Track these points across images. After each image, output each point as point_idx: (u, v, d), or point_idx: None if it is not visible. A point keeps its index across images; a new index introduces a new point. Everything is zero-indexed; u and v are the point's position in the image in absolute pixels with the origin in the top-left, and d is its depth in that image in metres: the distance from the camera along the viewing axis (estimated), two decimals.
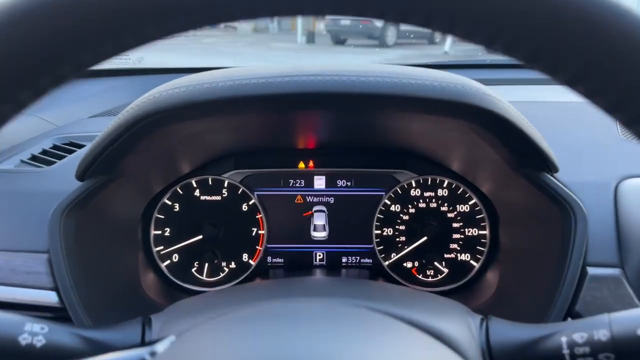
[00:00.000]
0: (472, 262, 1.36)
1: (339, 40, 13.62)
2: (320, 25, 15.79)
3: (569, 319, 0.99)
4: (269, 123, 1.20)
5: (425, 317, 0.69)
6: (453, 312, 0.78)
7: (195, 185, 1.37)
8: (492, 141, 1.04)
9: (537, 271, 1.09)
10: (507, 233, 1.27)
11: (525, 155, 1.03)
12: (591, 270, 0.99)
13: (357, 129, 1.26)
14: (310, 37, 15.26)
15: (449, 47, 13.05)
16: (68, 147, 1.39)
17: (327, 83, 0.90)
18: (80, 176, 1.07)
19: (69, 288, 1.00)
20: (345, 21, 13.34)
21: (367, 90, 0.90)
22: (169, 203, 1.36)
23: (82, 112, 1.66)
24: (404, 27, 13.60)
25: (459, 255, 1.36)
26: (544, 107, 1.50)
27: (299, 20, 15.57)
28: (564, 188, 1.02)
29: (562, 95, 1.72)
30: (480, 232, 1.35)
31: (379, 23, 13.16)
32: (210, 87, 0.93)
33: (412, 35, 13.14)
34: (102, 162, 1.04)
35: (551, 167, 1.03)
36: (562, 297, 0.97)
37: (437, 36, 14.36)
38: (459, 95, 0.91)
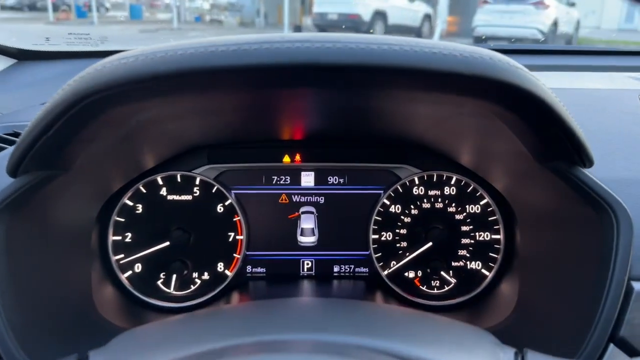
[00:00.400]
0: (483, 271, 1.18)
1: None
2: (308, 20, 15.61)
3: (612, 345, 0.82)
4: (246, 107, 0.99)
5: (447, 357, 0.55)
6: (480, 347, 0.61)
7: (161, 182, 1.18)
8: (520, 128, 0.86)
9: (568, 286, 0.91)
10: (526, 238, 1.09)
11: (557, 146, 0.85)
12: (637, 286, 0.83)
13: (353, 115, 1.07)
14: (297, 31, 15.05)
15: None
16: (12, 137, 1.19)
17: (319, 51, 0.70)
18: (12, 172, 0.86)
19: None
20: (333, 15, 13.19)
21: (372, 61, 0.71)
22: (130, 204, 1.17)
23: (33, 98, 1.45)
24: (392, 21, 13.54)
25: (468, 263, 1.19)
26: (566, 94, 1.33)
27: (286, 14, 15.37)
28: (603, 186, 0.84)
29: (585, 81, 1.57)
30: (494, 236, 1.18)
31: (366, 17, 13.05)
32: (166, 56, 0.72)
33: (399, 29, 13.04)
34: (37, 154, 0.83)
35: (586, 161, 0.85)
36: (604, 319, 0.80)
37: (425, 31, 14.29)
38: (488, 70, 0.72)
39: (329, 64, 0.69)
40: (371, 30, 12.68)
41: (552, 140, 0.85)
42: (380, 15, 13.31)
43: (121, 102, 0.80)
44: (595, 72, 1.73)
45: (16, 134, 1.20)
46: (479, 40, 11.39)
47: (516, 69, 0.73)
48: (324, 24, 13.43)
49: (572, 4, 16.60)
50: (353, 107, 1.00)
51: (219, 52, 0.72)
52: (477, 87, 0.74)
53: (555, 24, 13.88)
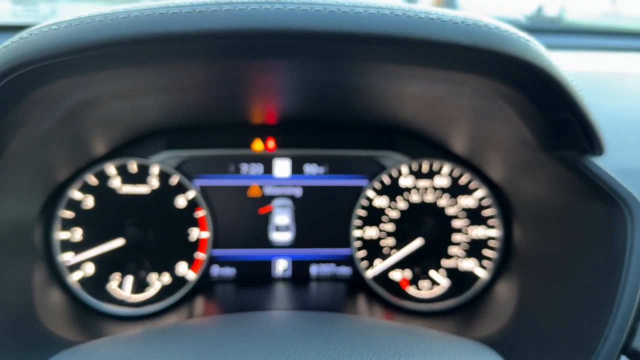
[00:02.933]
0: (478, 271, 1.08)
1: None
2: None
3: (625, 358, 0.71)
4: (208, 84, 0.85)
5: None
6: None
7: (113, 171, 1.04)
8: (527, 111, 0.74)
9: (574, 290, 0.81)
10: (526, 234, 0.99)
11: (566, 132, 0.73)
12: None
13: (334, 94, 0.94)
14: None
15: None
16: None
17: (294, 16, 0.56)
18: None
19: None
20: None
21: (358, 29, 0.57)
22: (79, 196, 1.03)
23: None
24: None
25: (461, 262, 1.08)
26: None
27: None
28: (616, 178, 0.73)
29: (588, 64, 1.46)
30: (489, 232, 1.08)
31: None
32: (105, 21, 0.58)
33: None
34: None
35: (596, 148, 0.74)
36: (616, 329, 0.70)
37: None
38: (495, 41, 0.59)
39: (304, 31, 0.56)
40: None
41: (560, 125, 0.73)
42: None
43: (54, 77, 0.66)
44: (588, 51, 1.62)
45: None
46: None
47: (526, 40, 0.61)
48: None
49: None
50: (334, 85, 0.87)
51: (169, 15, 0.57)
52: (481, 61, 0.62)
53: (539, 7, 13.93)
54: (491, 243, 1.07)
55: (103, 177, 1.04)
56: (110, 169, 1.03)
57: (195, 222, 1.06)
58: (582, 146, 0.76)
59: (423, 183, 1.08)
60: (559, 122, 0.74)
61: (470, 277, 1.08)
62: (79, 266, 1.04)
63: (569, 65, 1.37)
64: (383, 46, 0.59)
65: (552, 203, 0.90)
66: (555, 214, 0.90)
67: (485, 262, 1.08)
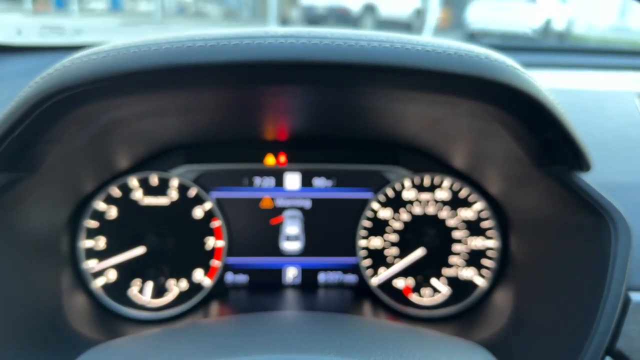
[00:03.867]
0: (477, 279, 1.14)
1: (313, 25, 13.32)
2: (295, 13, 15.49)
3: (609, 358, 0.78)
4: (227, 105, 0.93)
5: None
6: None
7: (135, 184, 1.11)
8: (517, 130, 0.81)
9: (563, 296, 0.87)
10: (522, 245, 1.04)
11: (554, 150, 0.80)
12: (635, 297, 0.79)
13: (341, 114, 1.01)
14: (284, 25, 14.92)
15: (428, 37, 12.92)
16: None
17: (305, 49, 0.64)
18: None
19: None
20: (321, 9, 13.09)
21: (362, 59, 0.65)
22: (103, 207, 1.09)
23: (4, 93, 1.36)
24: (382, 15, 13.44)
25: (461, 271, 1.14)
26: (560, 94, 1.28)
27: (273, 6, 15.22)
28: (601, 193, 0.79)
29: (579, 81, 1.52)
30: (488, 243, 1.13)
31: (355, 11, 12.97)
32: (139, 52, 0.66)
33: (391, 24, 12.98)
34: (2, 156, 0.77)
35: (583, 165, 0.80)
36: (600, 331, 0.77)
37: (416, 25, 14.24)
38: (485, 70, 0.66)
39: (314, 62, 0.63)
40: (357, 26, 12.60)
41: (549, 143, 0.80)
42: (369, 8, 13.23)
43: (90, 100, 0.73)
44: (590, 70, 1.68)
45: None
46: (472, 36, 11.40)
47: (513, 69, 0.68)
48: (311, 18, 13.31)
49: (565, 0, 16.69)
50: (341, 106, 0.94)
51: (196, 47, 0.65)
52: (473, 87, 0.69)
53: (548, 20, 13.92)
54: (489, 253, 1.13)
55: (126, 190, 1.11)
56: (133, 181, 1.11)
57: (211, 232, 1.13)
58: (571, 163, 0.82)
59: (425, 196, 1.15)
60: (547, 140, 0.80)
61: (470, 285, 1.14)
62: (102, 273, 1.10)
63: (569, 84, 1.44)
64: (384, 74, 0.66)
65: (544, 215, 0.96)
66: (548, 226, 0.96)
67: (483, 271, 1.13)
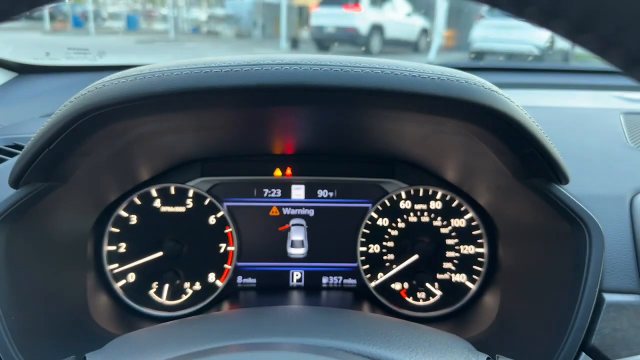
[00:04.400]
0: (468, 283, 1.21)
1: (322, 46, 13.52)
2: (305, 33, 15.71)
3: (584, 354, 0.86)
4: (239, 123, 1.04)
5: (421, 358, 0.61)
6: (453, 351, 0.65)
7: (155, 194, 1.21)
8: (497, 147, 0.90)
9: (544, 296, 0.95)
10: (508, 251, 1.13)
11: (533, 164, 0.89)
12: (608, 297, 0.88)
13: (342, 131, 1.11)
14: (294, 44, 15.14)
15: (434, 56, 13.06)
16: (11, 149, 1.22)
17: (306, 74, 0.74)
18: (14, 183, 0.90)
19: None
20: (330, 29, 13.28)
21: (356, 83, 0.75)
22: (125, 215, 1.19)
23: (33, 111, 1.49)
24: (389, 35, 13.64)
25: (453, 275, 1.22)
26: (545, 112, 1.37)
27: (283, 27, 15.47)
28: (577, 201, 0.88)
29: (564, 100, 1.61)
30: (478, 249, 1.21)
31: (363, 31, 13.15)
32: (163, 76, 0.76)
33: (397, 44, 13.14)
34: (38, 167, 0.87)
35: (561, 178, 0.89)
36: (576, 329, 0.85)
37: (422, 45, 14.41)
38: (463, 92, 0.76)
39: (314, 86, 0.74)
40: (362, 48, 12.75)
41: (528, 158, 0.89)
42: (377, 29, 13.42)
43: (119, 118, 0.84)
44: (582, 90, 1.78)
45: (16, 146, 1.23)
46: (477, 55, 11.48)
47: (490, 91, 0.78)
48: (321, 37, 13.50)
49: None
50: (341, 124, 1.04)
51: (213, 73, 0.76)
52: (454, 108, 0.79)
53: (552, 39, 14.00)
54: (479, 259, 1.21)
55: (146, 199, 1.21)
56: (153, 191, 1.21)
57: (223, 238, 1.23)
58: (549, 175, 0.91)
59: (420, 206, 1.24)
60: (526, 155, 0.89)
61: (462, 288, 1.22)
62: (123, 275, 1.20)
63: (555, 102, 1.53)
64: (376, 96, 0.77)
65: (527, 224, 1.05)
66: (531, 233, 1.04)
67: (474, 276, 1.22)
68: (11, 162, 1.12)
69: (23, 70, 1.59)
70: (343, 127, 1.08)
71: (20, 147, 1.22)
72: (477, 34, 13.25)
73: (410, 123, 0.96)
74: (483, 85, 0.78)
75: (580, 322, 0.84)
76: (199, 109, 0.88)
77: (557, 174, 0.89)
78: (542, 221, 0.97)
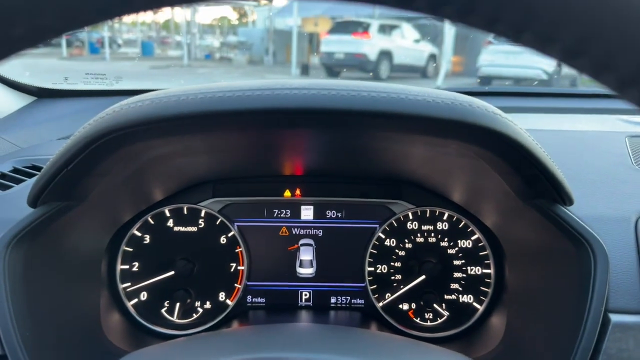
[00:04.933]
0: (475, 304, 1.22)
1: (332, 72, 13.68)
2: (315, 59, 15.93)
3: None
4: (250, 145, 1.07)
5: None
6: None
7: (168, 214, 1.24)
8: (502, 168, 0.92)
9: (550, 317, 0.96)
10: (515, 272, 1.14)
11: (537, 186, 0.91)
12: (614, 318, 0.88)
13: (350, 153, 1.14)
14: (305, 70, 15.34)
15: (442, 81, 13.17)
16: (29, 170, 1.26)
17: (315, 98, 0.78)
18: (33, 202, 0.93)
19: (11, 332, 0.86)
20: (339, 55, 13.45)
21: (363, 107, 0.78)
22: (139, 234, 1.22)
23: (51, 133, 1.54)
24: (397, 61, 13.80)
25: (460, 296, 1.23)
26: (551, 135, 1.40)
27: (294, 53, 15.70)
28: (581, 223, 0.90)
29: (570, 123, 1.64)
30: (485, 270, 1.22)
31: (372, 57, 13.32)
32: (178, 100, 0.80)
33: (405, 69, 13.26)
34: (56, 186, 0.90)
35: (566, 199, 0.91)
36: (582, 349, 0.86)
37: (430, 70, 14.54)
38: (467, 115, 0.79)
39: (323, 109, 0.77)
40: (370, 74, 12.88)
41: (532, 180, 0.91)
42: (385, 54, 13.59)
43: (135, 140, 0.87)
44: (588, 114, 1.80)
45: (34, 167, 1.27)
46: (483, 80, 11.55)
47: (493, 114, 0.80)
48: (330, 63, 13.69)
49: None
50: (349, 146, 1.07)
51: (226, 97, 0.79)
52: (459, 130, 0.81)
53: (559, 64, 14.02)
54: (486, 280, 1.22)
55: (160, 219, 1.24)
56: (167, 212, 1.24)
57: (234, 258, 1.25)
58: (553, 197, 0.93)
59: (426, 227, 1.26)
60: (530, 177, 0.92)
61: (469, 309, 1.23)
62: (135, 293, 1.22)
63: (562, 126, 1.55)
64: (381, 119, 0.80)
65: (533, 245, 1.06)
66: (536, 254, 1.06)
67: (481, 297, 1.23)
68: (29, 182, 1.16)
69: (42, 94, 1.64)
70: (351, 150, 1.11)
71: (37, 168, 1.26)
72: (484, 59, 13.34)
73: (416, 145, 0.99)
74: (486, 109, 0.81)
75: (586, 342, 0.85)
76: (211, 132, 0.92)
77: (561, 196, 0.91)
78: (548, 242, 0.99)
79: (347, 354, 0.68)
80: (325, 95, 0.77)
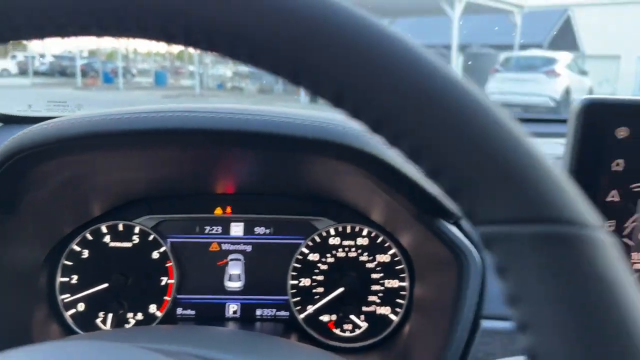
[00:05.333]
0: (391, 315, 1.28)
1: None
2: None
3: None
4: (173, 165, 1.16)
5: None
6: None
7: (105, 230, 1.32)
8: (382, 186, 1.00)
9: (435, 325, 1.02)
10: (419, 283, 1.21)
11: (420, 203, 0.99)
12: (484, 324, 0.95)
13: (272, 173, 1.23)
14: (313, 98, 15.53)
15: None
16: None
17: (186, 119, 0.87)
18: None
19: None
20: None
21: (239, 127, 0.87)
22: (78, 249, 1.31)
23: None
24: None
25: (378, 308, 1.29)
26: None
27: None
28: (457, 234, 0.97)
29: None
30: (400, 283, 1.29)
31: None
32: (82, 121, 0.90)
33: None
34: None
35: (448, 215, 0.98)
36: (452, 352, 0.93)
37: None
38: (335, 136, 0.87)
39: (194, 130, 0.86)
40: None
41: (410, 197, 0.99)
42: None
43: (45, 159, 0.97)
44: None
45: None
46: None
47: (360, 135, 0.88)
48: None
49: (585, 73, 16.92)
50: (268, 166, 1.16)
51: (124, 119, 0.89)
52: (326, 149, 0.90)
53: (567, 92, 14.08)
54: (402, 292, 1.29)
55: (97, 235, 1.33)
56: (104, 228, 1.33)
57: (164, 272, 1.33)
58: (438, 213, 1.01)
59: (347, 242, 1.32)
60: (408, 194, 0.99)
61: (385, 320, 1.29)
62: (73, 304, 1.30)
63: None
64: (254, 139, 0.89)
65: (433, 259, 1.13)
66: (434, 267, 1.13)
67: (397, 308, 1.29)
68: None
69: (8, 120, 1.76)
70: (272, 169, 1.20)
71: None
72: (492, 87, 13.44)
73: (314, 165, 1.07)
74: (352, 129, 0.89)
75: (456, 346, 0.92)
76: (120, 151, 1.01)
77: (444, 212, 0.99)
78: (435, 253, 1.06)
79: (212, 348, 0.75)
80: (197, 117, 0.87)
